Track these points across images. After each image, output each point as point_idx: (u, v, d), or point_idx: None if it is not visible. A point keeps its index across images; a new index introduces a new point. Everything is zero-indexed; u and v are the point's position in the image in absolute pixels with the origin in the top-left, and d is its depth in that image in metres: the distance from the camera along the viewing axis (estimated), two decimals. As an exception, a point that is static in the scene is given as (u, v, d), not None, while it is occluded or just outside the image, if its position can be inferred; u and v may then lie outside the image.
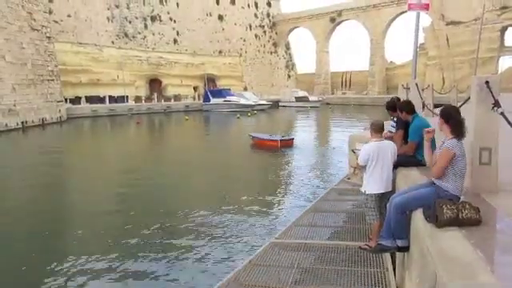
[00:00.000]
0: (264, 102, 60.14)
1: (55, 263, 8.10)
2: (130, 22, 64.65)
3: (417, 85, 10.29)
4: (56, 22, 53.82)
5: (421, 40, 56.81)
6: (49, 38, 42.78)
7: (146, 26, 66.52)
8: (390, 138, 6.32)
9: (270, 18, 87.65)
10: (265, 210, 11.51)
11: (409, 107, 6.35)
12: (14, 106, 35.01)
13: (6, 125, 33.53)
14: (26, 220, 11.23)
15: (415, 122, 6.12)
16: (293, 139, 24.87)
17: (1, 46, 33.92)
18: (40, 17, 40.94)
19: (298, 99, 66.58)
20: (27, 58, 37.73)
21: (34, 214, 11.76)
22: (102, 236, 9.66)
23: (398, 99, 7.33)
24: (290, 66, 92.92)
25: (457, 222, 3.53)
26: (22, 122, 35.76)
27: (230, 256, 8.26)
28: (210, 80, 69.76)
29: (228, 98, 58.21)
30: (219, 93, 60.12)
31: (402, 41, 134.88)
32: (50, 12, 49.02)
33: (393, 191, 5.53)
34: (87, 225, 10.61)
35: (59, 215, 11.93)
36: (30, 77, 38.00)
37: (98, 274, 7.59)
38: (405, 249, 4.49)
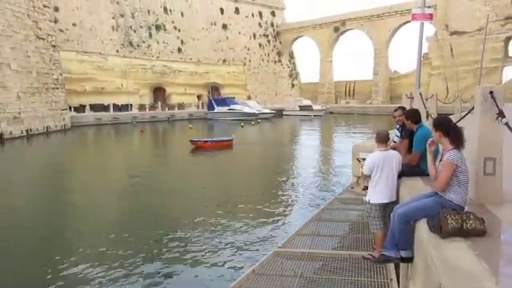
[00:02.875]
0: (268, 111, 60.21)
1: (68, 269, 8.11)
2: (134, 31, 65.05)
3: (421, 94, 10.31)
4: (61, 30, 54.24)
5: (425, 50, 57.04)
6: (54, 46, 43.09)
7: (150, 35, 66.90)
8: (395, 148, 6.31)
9: (274, 27, 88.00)
10: (268, 218, 11.48)
11: (415, 116, 6.33)
12: (19, 113, 35.18)
13: (11, 132, 33.67)
14: (30, 225, 11.24)
15: (420, 132, 6.10)
16: (231, 140, 27.53)
17: (7, 54, 34.14)
18: (45, 26, 41.26)
19: (302, 108, 66.65)
20: (32, 67, 37.97)
21: (37, 220, 11.78)
22: (104, 242, 9.66)
23: (404, 108, 7.33)
24: (293, 75, 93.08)
25: (461, 233, 3.51)
26: (27, 130, 35.90)
27: (233, 265, 8.24)
28: (214, 89, 70.00)
29: (232, 106, 58.32)
30: (223, 101, 60.26)
31: (405, 50, 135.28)
32: (56, 21, 49.39)
33: (397, 201, 5.52)
34: (90, 231, 10.61)
35: (64, 222, 11.94)
36: (35, 85, 38.21)
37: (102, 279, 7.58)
38: (408, 260, 4.47)
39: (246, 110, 57.59)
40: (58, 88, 42.70)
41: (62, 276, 7.93)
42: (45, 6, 41.48)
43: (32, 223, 11.73)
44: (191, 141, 27.83)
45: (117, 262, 8.48)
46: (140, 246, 9.36)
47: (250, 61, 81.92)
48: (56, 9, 52.07)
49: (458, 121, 5.13)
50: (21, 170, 21.27)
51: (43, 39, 40.39)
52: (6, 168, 21.92)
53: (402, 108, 7.37)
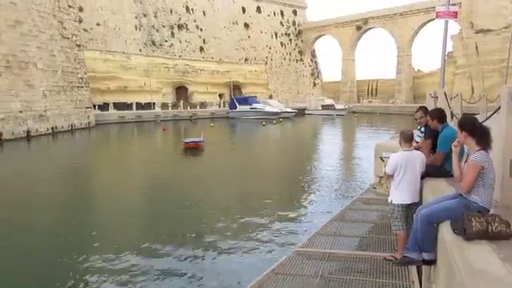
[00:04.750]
0: (289, 110, 60.04)
1: (87, 264, 8.25)
2: (157, 31, 65.65)
3: (445, 94, 10.14)
4: (86, 30, 55.09)
5: (449, 48, 56.09)
6: (79, 45, 43.76)
7: (172, 34, 67.43)
8: (418, 148, 6.22)
9: (296, 26, 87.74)
10: (289, 218, 11.47)
11: (440, 115, 6.21)
12: (45, 111, 35.87)
13: (37, 130, 34.34)
14: (52, 220, 11.46)
15: (445, 132, 5.98)
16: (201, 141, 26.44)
17: (33, 53, 34.83)
18: (70, 25, 41.94)
19: (324, 107, 66.32)
20: (58, 66, 38.65)
21: (60, 215, 12.00)
22: (124, 237, 9.77)
23: (425, 109, 7.19)
24: (315, 73, 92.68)
25: (486, 236, 3.44)
26: (52, 128, 36.57)
27: (254, 264, 8.24)
28: (236, 87, 70.15)
29: (254, 105, 58.37)
30: (245, 100, 60.36)
31: (429, 49, 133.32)
32: (80, 21, 50.15)
33: (420, 202, 5.44)
34: (111, 227, 10.75)
35: (87, 217, 12.13)
36: (61, 84, 38.89)
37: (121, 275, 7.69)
38: (431, 262, 4.40)
39: (268, 109, 57.58)
40: (82, 86, 43.39)
41: (86, 269, 8.07)
42: (70, 7, 42.16)
43: (56, 217, 11.95)
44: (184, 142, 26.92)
45: (138, 257, 8.58)
46: (160, 243, 9.45)
47: (271, 60, 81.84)
48: (80, 9, 52.84)
49: (484, 121, 5.02)
50: (47, 166, 21.68)
51: (68, 39, 41.06)
52: (33, 164, 22.38)
53: (424, 108, 7.22)
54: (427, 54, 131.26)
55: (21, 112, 32.76)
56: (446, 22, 14.12)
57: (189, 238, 9.84)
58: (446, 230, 3.85)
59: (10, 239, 10.04)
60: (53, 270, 8.25)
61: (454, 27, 60.49)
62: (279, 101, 67.32)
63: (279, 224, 10.87)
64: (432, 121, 6.22)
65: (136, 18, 63.23)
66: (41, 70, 35.84)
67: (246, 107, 58.20)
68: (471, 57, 59.78)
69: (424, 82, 69.84)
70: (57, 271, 8.17)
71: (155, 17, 65.53)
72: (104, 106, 51.83)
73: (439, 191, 5.12)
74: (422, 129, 6.90)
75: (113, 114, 50.91)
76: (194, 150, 25.26)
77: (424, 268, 5.18)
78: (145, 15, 64.24)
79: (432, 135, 6.35)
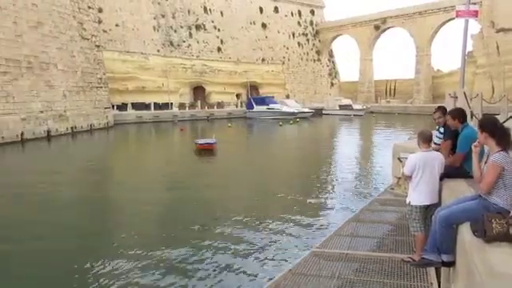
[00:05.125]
0: (306, 110, 59.91)
1: (103, 262, 8.34)
2: (175, 31, 66.09)
3: (465, 94, 10.01)
4: (105, 31, 55.74)
5: (469, 48, 55.22)
6: (98, 46, 44.31)
7: (190, 35, 67.80)
8: (437, 150, 6.14)
9: (314, 25, 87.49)
10: (306, 218, 11.43)
11: (461, 115, 6.13)
12: (65, 111, 36.38)
13: (57, 130, 34.86)
14: (72, 218, 11.61)
15: (465, 132, 5.89)
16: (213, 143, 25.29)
17: (53, 54, 35.37)
18: (90, 26, 42.49)
19: (342, 107, 66.02)
20: (77, 66, 39.18)
21: (79, 213, 12.16)
22: (141, 237, 9.85)
23: (443, 109, 7.09)
24: (333, 73, 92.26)
25: (506, 238, 3.38)
26: (72, 128, 37.08)
27: (271, 264, 8.25)
28: (253, 88, 70.20)
29: (271, 105, 58.38)
30: (262, 100, 60.41)
31: (449, 48, 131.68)
32: (100, 22, 50.76)
33: (438, 204, 5.38)
34: (130, 226, 10.84)
35: (104, 215, 12.28)
36: (80, 84, 39.43)
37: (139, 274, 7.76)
38: (450, 264, 4.35)
39: (285, 109, 57.55)
40: (101, 87, 43.91)
41: (103, 266, 8.17)
42: (89, 8, 42.72)
43: (75, 215, 12.11)
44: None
45: (155, 256, 8.64)
46: (176, 242, 9.50)
47: (288, 60, 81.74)
48: (100, 10, 53.48)
49: (505, 121, 4.94)
50: (67, 166, 22.01)
51: (88, 40, 41.61)
52: (54, 163, 22.73)
53: (442, 108, 7.11)
54: (447, 53, 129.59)
55: (41, 112, 33.29)
56: (467, 21, 13.94)
57: (205, 237, 9.87)
58: (465, 232, 3.80)
59: (31, 237, 10.21)
60: (72, 266, 8.35)
61: (475, 26, 59.64)
62: (296, 101, 67.22)
63: (296, 224, 10.84)
64: (453, 120, 6.13)
65: (154, 18, 63.76)
66: (61, 71, 36.38)
67: (263, 107, 58.25)
68: (492, 56, 58.82)
69: (443, 81, 68.93)
70: (76, 268, 8.27)
71: (173, 17, 66.00)
72: (122, 107, 52.37)
73: (458, 192, 5.05)
74: (441, 129, 6.80)
75: (131, 114, 51.40)
76: (206, 151, 24.74)
77: (443, 270, 5.12)
78: (163, 16, 64.73)
79: (452, 136, 6.27)
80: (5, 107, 29.44)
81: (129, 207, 13.32)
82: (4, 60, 29.66)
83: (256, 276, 7.74)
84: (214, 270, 8.04)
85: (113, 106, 48.89)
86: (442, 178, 5.66)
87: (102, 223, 11.74)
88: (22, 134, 30.67)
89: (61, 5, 36.73)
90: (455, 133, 6.14)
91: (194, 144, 26.07)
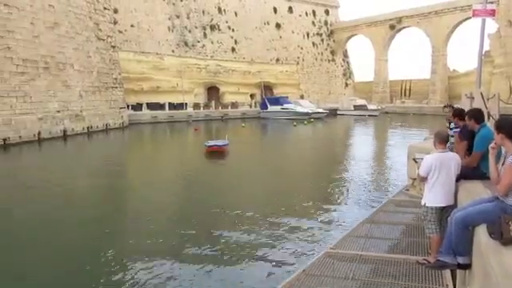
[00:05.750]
0: (321, 110, 59.70)
1: (112, 263, 8.42)
2: (189, 31, 66.38)
3: (482, 94, 9.89)
4: (120, 31, 56.20)
5: (486, 47, 54.45)
6: (113, 47, 44.67)
7: (205, 35, 68.05)
8: (452, 149, 6.09)
9: (328, 25, 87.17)
10: (319, 219, 11.40)
11: (478, 115, 6.06)
12: (81, 111, 36.75)
13: (73, 129, 35.22)
14: (88, 216, 11.74)
15: (482, 132, 5.82)
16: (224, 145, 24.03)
17: (70, 54, 35.74)
18: (106, 27, 42.86)
19: (357, 108, 65.69)
20: (93, 67, 39.54)
21: (95, 210, 12.29)
22: (155, 239, 9.91)
23: (452, 106, 7.07)
24: (347, 74, 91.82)
25: (524, 240, 3.34)
26: (88, 127, 37.42)
27: (284, 264, 8.24)
28: (267, 88, 70.15)
29: (285, 105, 58.30)
30: (277, 100, 60.34)
31: (465, 48, 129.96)
32: (115, 22, 51.17)
33: (454, 205, 5.33)
34: (146, 225, 10.92)
35: (118, 215, 12.39)
36: (96, 84, 39.79)
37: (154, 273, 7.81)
38: (466, 266, 4.30)
39: (299, 109, 57.39)
40: (116, 87, 44.26)
41: (117, 264, 8.24)
42: (105, 9, 43.08)
43: (91, 213, 12.24)
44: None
45: (169, 257, 8.67)
46: (190, 241, 9.54)
47: (303, 60, 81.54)
48: (115, 11, 53.89)
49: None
50: (83, 164, 22.24)
51: (103, 40, 41.96)
52: (71, 162, 23.00)
53: (451, 106, 7.13)
54: (463, 53, 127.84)
55: (58, 112, 33.67)
56: (483, 21, 13.75)
57: (218, 238, 9.90)
58: (481, 234, 3.76)
59: (49, 234, 10.34)
60: (87, 263, 8.45)
61: (492, 25, 58.83)
62: (310, 101, 66.98)
63: (310, 225, 10.81)
64: (469, 120, 6.08)
65: (169, 19, 64.13)
66: (77, 71, 36.74)
67: (277, 107, 58.19)
68: (509, 56, 57.95)
69: (460, 82, 68.12)
70: (91, 265, 8.36)
71: (188, 18, 66.30)
72: (137, 107, 52.70)
73: (475, 194, 4.99)
74: (452, 125, 6.78)
75: (146, 114, 51.71)
76: (217, 153, 23.38)
77: (458, 272, 5.06)
78: (177, 16, 65.07)
79: (468, 136, 6.21)
80: (22, 107, 29.83)
81: (143, 206, 13.40)
82: (21, 60, 30.06)
83: (269, 276, 7.73)
84: (227, 270, 8.05)
85: (128, 106, 49.23)
86: (458, 180, 5.60)
87: (115, 223, 11.84)
88: (39, 133, 31.04)
89: (77, 6, 37.11)
90: (471, 134, 6.08)
91: (204, 146, 24.55)
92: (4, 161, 24.56)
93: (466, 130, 6.28)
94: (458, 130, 6.67)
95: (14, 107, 29.02)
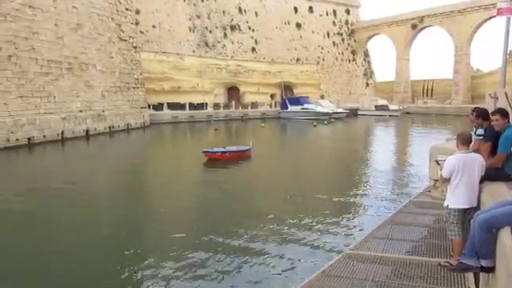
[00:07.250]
0: (341, 111, 59.37)
1: (130, 265, 8.52)
2: (210, 32, 66.68)
3: (506, 94, 9.69)
4: (142, 32, 56.73)
5: (510, 46, 53.35)
6: (135, 47, 45.15)
7: (225, 35, 68.26)
8: (476, 150, 5.98)
9: (349, 25, 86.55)
10: (341, 220, 11.35)
11: (504, 114, 5.94)
12: (103, 111, 37.24)
13: (95, 129, 35.71)
14: (106, 215, 11.90)
15: (507, 133, 5.69)
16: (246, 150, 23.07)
17: (92, 55, 36.26)
18: (128, 28, 43.36)
19: (378, 108, 65.08)
20: (115, 67, 40.03)
21: (115, 211, 12.45)
22: (174, 240, 9.98)
23: (483, 109, 6.93)
24: (368, 73, 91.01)
25: (550, 243, 3.26)
26: (110, 127, 37.89)
27: (304, 265, 8.22)
28: (287, 88, 69.98)
29: (305, 105, 58.10)
30: (297, 100, 60.18)
31: (489, 47, 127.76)
32: (137, 23, 51.69)
33: (477, 207, 5.23)
34: (161, 223, 11.02)
35: (138, 216, 12.52)
36: (118, 84, 40.27)
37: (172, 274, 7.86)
38: (489, 269, 4.22)
39: (319, 109, 57.14)
40: (138, 87, 44.73)
41: (137, 265, 8.33)
42: (127, 10, 43.58)
43: (110, 213, 12.40)
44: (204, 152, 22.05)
45: (187, 258, 8.71)
46: (208, 242, 9.58)
47: (323, 60, 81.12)
48: (137, 11, 54.41)
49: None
50: (105, 163, 22.56)
51: (125, 41, 42.46)
52: (94, 162, 23.35)
53: (477, 110, 7.00)
54: (487, 52, 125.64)
55: (81, 112, 34.18)
56: (508, 19, 13.51)
57: (239, 239, 9.91)
58: (505, 236, 3.69)
59: (72, 235, 10.51)
60: (105, 264, 8.56)
61: (517, 24, 57.58)
62: (331, 101, 66.63)
63: (330, 226, 10.77)
64: (494, 117, 5.93)
65: (190, 19, 64.51)
66: (100, 72, 37.25)
67: (298, 107, 58.02)
68: (535, 55, 56.76)
69: (483, 81, 66.89)
70: (110, 267, 8.48)
71: (208, 18, 66.60)
72: (158, 106, 53.13)
73: (499, 196, 4.90)
74: (479, 131, 6.64)
75: (166, 114, 52.12)
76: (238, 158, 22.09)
77: (482, 275, 4.97)
78: (198, 17, 65.43)
79: (492, 137, 6.09)
80: (46, 107, 30.35)
81: (165, 206, 13.51)
82: (46, 61, 30.59)
83: (288, 276, 7.73)
84: (246, 271, 8.06)
85: (149, 106, 49.69)
86: (481, 181, 5.50)
87: (137, 222, 11.97)
88: (63, 132, 31.53)
89: (100, 7, 37.62)
90: (495, 134, 5.96)
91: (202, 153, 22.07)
92: (30, 159, 25.10)
93: (491, 130, 6.16)
94: (482, 137, 6.53)
95: (38, 107, 29.53)
